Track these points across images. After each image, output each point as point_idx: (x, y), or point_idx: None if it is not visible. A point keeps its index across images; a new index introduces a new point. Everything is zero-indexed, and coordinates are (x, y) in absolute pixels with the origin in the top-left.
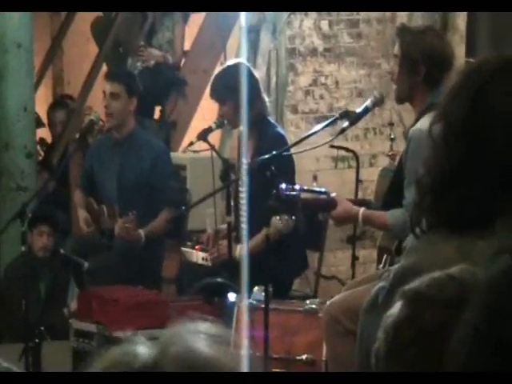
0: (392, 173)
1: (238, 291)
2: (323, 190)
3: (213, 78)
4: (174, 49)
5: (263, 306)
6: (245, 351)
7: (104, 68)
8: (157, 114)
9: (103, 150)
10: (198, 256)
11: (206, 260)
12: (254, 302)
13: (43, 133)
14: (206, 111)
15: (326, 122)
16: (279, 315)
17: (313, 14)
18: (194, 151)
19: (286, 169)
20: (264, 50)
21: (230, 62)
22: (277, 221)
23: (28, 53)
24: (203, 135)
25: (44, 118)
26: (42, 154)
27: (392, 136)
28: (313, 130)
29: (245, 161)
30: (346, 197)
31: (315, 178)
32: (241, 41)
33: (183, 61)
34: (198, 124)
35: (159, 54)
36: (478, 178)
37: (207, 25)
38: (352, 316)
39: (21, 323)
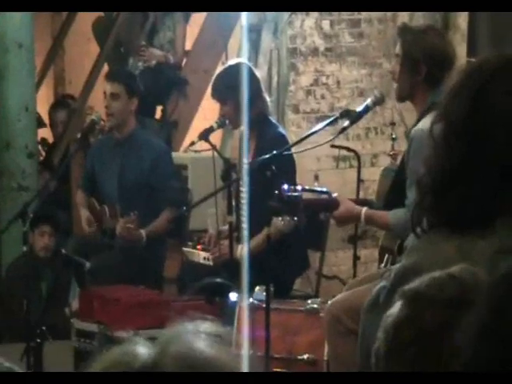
0: (394, 172)
1: (237, 291)
2: (325, 189)
3: (214, 77)
4: (176, 48)
5: (264, 305)
6: (246, 351)
7: (105, 68)
8: (158, 114)
9: (104, 150)
10: (199, 256)
11: (208, 260)
12: (256, 302)
13: (45, 133)
14: (208, 111)
15: (327, 122)
16: (280, 315)
17: (314, 14)
18: (196, 151)
19: (287, 168)
20: (265, 50)
21: (232, 61)
22: (278, 221)
23: (29, 52)
24: (204, 135)
25: (45, 118)
26: (44, 153)
27: (393, 136)
28: (313, 130)
29: (246, 160)
30: (348, 196)
31: (317, 177)
32: (242, 40)
33: (184, 60)
34: (199, 124)
35: (160, 54)
36: (479, 177)
37: (208, 24)
38: (353, 315)
39: (22, 323)
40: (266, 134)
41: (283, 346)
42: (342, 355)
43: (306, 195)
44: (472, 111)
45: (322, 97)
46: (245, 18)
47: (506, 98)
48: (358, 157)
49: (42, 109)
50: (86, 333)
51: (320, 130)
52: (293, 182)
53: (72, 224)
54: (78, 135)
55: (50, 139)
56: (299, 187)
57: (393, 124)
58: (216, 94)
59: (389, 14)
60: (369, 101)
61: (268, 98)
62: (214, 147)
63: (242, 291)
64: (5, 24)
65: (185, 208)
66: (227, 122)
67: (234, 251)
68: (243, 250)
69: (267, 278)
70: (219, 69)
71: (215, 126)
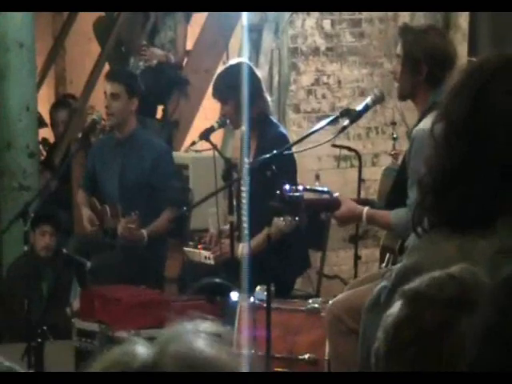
0: (395, 172)
1: (238, 291)
2: (326, 189)
3: (215, 77)
4: (177, 48)
5: (265, 305)
6: (247, 350)
7: (106, 67)
8: (159, 114)
9: (105, 150)
10: (200, 255)
11: (209, 259)
12: (257, 302)
13: (46, 132)
14: (209, 111)
15: (327, 121)
16: (281, 314)
17: (315, 14)
18: (197, 151)
19: (288, 168)
20: (266, 50)
21: (232, 61)
22: (279, 221)
23: (30, 52)
24: (205, 135)
25: (46, 118)
26: (45, 153)
27: (394, 135)
28: (313, 129)
29: (246, 160)
30: (349, 196)
31: (317, 177)
32: (243, 40)
33: (185, 60)
34: (200, 123)
35: (161, 54)
36: (480, 177)
37: (209, 24)
38: (355, 315)
39: (23, 323)
40: (267, 133)
41: (284, 345)
42: (343, 355)
43: (307, 195)
44: (473, 111)
45: (323, 96)
46: (245, 17)
47: (507, 97)
48: (359, 156)
49: (43, 108)
50: (87, 332)
51: (320, 129)
52: (293, 182)
53: (73, 224)
54: (79, 135)
55: (51, 139)
56: (300, 187)
57: (394, 123)
58: (217, 94)
59: (390, 13)
60: (368, 99)
61: (269, 98)
62: (214, 147)
63: (243, 291)
64: (6, 24)
65: (186, 208)
66: (228, 121)
67: (234, 250)
68: (244, 249)
69: (268, 277)
70: (220, 68)
71: (216, 125)
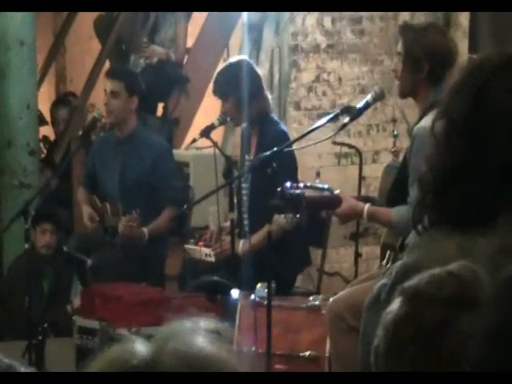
0: (396, 170)
1: (235, 289)
2: (326, 186)
3: (215, 75)
4: (177, 46)
5: (266, 302)
6: (247, 348)
7: (107, 65)
8: (159, 111)
9: (105, 149)
10: (201, 252)
11: (210, 256)
12: (257, 299)
13: (46, 130)
14: (209, 108)
15: (328, 118)
16: (282, 312)
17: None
18: (197, 148)
19: (288, 165)
20: (267, 47)
21: (233, 59)
22: (280, 218)
23: (31, 50)
24: (206, 132)
25: (47, 116)
26: (45, 151)
27: (395, 132)
28: (314, 126)
29: (247, 157)
30: (349, 194)
31: (318, 174)
32: (243, 38)
33: (186, 58)
34: (200, 121)
35: (162, 52)
36: (480, 175)
37: (210, 22)
38: (355, 313)
39: (24, 320)
40: (267, 131)
41: (285, 342)
42: (344, 352)
43: (308, 192)
44: (473, 109)
45: (324, 94)
46: (246, 15)
47: (507, 95)
48: (359, 154)
49: (44, 106)
50: (87, 330)
51: (321, 126)
52: (294, 179)
53: (73, 222)
54: (80, 133)
55: (52, 137)
56: (301, 184)
57: (394, 121)
58: (217, 92)
59: None
60: (369, 97)
61: (269, 95)
62: (215, 144)
63: (244, 288)
64: (6, 22)
65: (186, 205)
66: (229, 119)
67: (235, 247)
68: (244, 246)
69: (269, 274)
70: (221, 66)
71: (217, 123)
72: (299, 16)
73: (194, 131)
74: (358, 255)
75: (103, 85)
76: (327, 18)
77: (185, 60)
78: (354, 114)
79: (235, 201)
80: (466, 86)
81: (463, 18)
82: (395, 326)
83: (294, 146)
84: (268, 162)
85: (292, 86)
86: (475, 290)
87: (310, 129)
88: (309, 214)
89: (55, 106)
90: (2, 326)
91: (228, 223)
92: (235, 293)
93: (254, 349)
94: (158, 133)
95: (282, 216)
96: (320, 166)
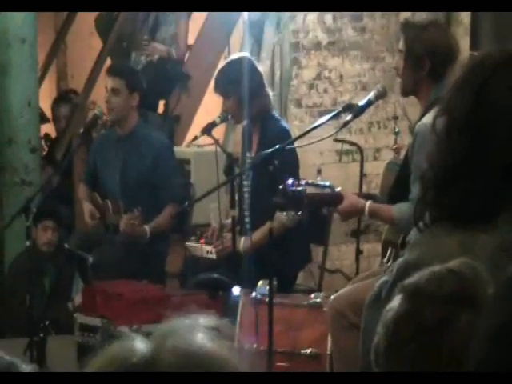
0: (398, 167)
1: (235, 286)
2: (328, 183)
3: (217, 72)
4: (178, 43)
5: (268, 300)
6: (249, 345)
7: (108, 62)
8: (161, 109)
9: (106, 146)
10: (202, 249)
11: (211, 253)
12: (259, 296)
13: (48, 128)
14: (210, 105)
15: (329, 116)
16: (284, 309)
17: None
18: (198, 145)
19: (290, 163)
20: (268, 45)
21: (234, 56)
22: (282, 215)
23: (32, 48)
24: (207, 129)
25: (48, 113)
26: (47, 149)
27: (396, 130)
28: (316, 124)
29: (248, 155)
30: (350, 191)
31: (319, 171)
32: (244, 35)
33: (187, 55)
34: (201, 118)
35: (163, 49)
36: (481, 172)
37: (211, 19)
38: (357, 310)
39: (25, 318)
40: (268, 128)
41: (286, 340)
42: (346, 349)
43: (309, 190)
44: (474, 106)
45: (325, 91)
46: (247, 13)
47: (508, 92)
48: (360, 151)
49: (45, 104)
50: (89, 327)
51: (323, 124)
52: (296, 177)
53: (75, 219)
54: (81, 130)
55: (54, 134)
56: (303, 181)
57: (395, 118)
58: (219, 89)
59: None
60: (371, 95)
61: (271, 93)
62: (216, 142)
63: (245, 285)
64: (7, 19)
65: (187, 203)
66: (230, 116)
67: (236, 244)
68: (246, 243)
69: (270, 272)
70: (222, 63)
71: (218, 120)
72: (300, 13)
73: (195, 128)
74: (359, 252)
75: (104, 82)
76: (328, 15)
77: (186, 57)
78: (356, 111)
79: (236, 198)
80: (467, 84)
81: (464, 15)
82: (395, 324)
83: (296, 144)
84: (270, 160)
85: (293, 83)
86: (475, 287)
87: (312, 126)
88: (310, 212)
89: (56, 104)
90: (4, 323)
91: (229, 220)
92: (236, 290)
93: (255, 346)
94: (159, 130)
95: (284, 213)
96: (321, 164)
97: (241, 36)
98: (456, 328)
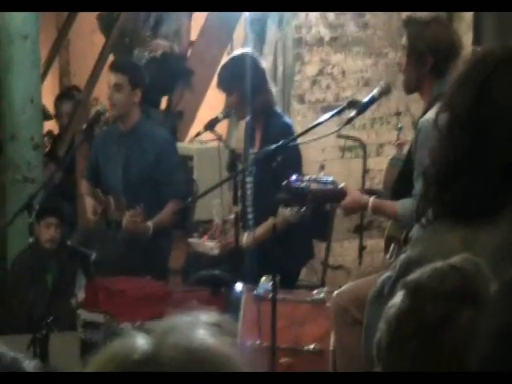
0: (401, 162)
1: (237, 283)
2: (330, 179)
3: (219, 68)
4: (181, 39)
5: (270, 296)
6: (252, 341)
7: (110, 59)
8: (163, 104)
9: (108, 142)
10: (205, 245)
11: (214, 249)
12: (262, 293)
13: (50, 125)
14: (213, 101)
15: (333, 112)
16: (287, 305)
17: None
18: (201, 141)
19: (293, 159)
20: (270, 40)
21: (237, 51)
22: (285, 210)
23: (34, 44)
24: (210, 125)
25: (51, 110)
26: (49, 146)
27: (399, 125)
28: (319, 120)
29: (251, 151)
30: (353, 187)
31: (322, 167)
32: (247, 31)
33: (190, 51)
34: (204, 114)
35: (166, 45)
36: (482, 169)
37: (213, 15)
38: (360, 306)
39: (28, 314)
40: (271, 124)
41: (289, 336)
42: (349, 345)
43: (312, 186)
44: (476, 102)
45: (328, 87)
46: None
47: (510, 89)
48: (363, 147)
49: (48, 100)
50: (92, 324)
51: (327, 120)
52: (299, 173)
53: (77, 216)
54: (84, 126)
55: (56, 131)
56: (307, 177)
57: (398, 114)
58: (221, 85)
59: None
60: (375, 91)
61: (273, 88)
62: (219, 138)
63: (248, 281)
64: (10, 16)
65: (190, 199)
66: (233, 112)
67: (239, 240)
68: (248, 238)
69: (273, 267)
70: (224, 59)
71: (221, 116)
72: None
73: (197, 124)
74: (362, 248)
75: (107, 79)
76: None
77: (188, 53)
78: (360, 108)
79: (239, 194)
80: (469, 79)
81: None
82: (397, 320)
83: (299, 140)
84: (273, 156)
85: (296, 79)
86: (477, 283)
87: (316, 123)
88: (313, 207)
89: (59, 100)
90: (7, 320)
91: (232, 216)
92: (239, 286)
93: (258, 342)
94: (162, 126)
95: (288, 209)
96: (324, 160)
97: (244, 32)
98: (457, 324)
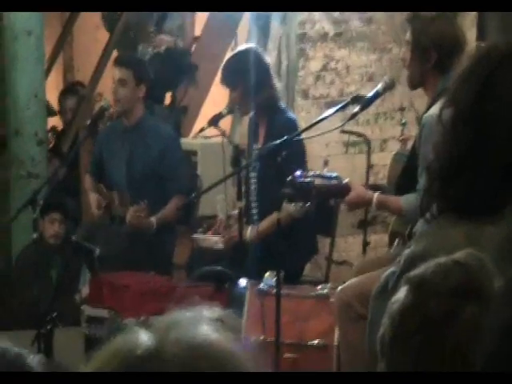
0: (405, 157)
1: (240, 278)
2: (334, 174)
3: (223, 63)
4: (185, 34)
5: (275, 291)
6: (256, 337)
7: (114, 54)
8: (167, 100)
9: (112, 137)
10: (209, 240)
11: (218, 244)
12: (266, 288)
13: (54, 120)
14: (217, 97)
15: (337, 107)
16: (291, 301)
17: None
18: (205, 137)
19: (297, 154)
20: (274, 36)
21: (241, 47)
22: (290, 206)
23: (38, 40)
24: (214, 121)
25: (55, 105)
26: (54, 141)
27: (403, 121)
28: (323, 115)
29: (255, 146)
30: (357, 182)
31: (326, 163)
32: (251, 26)
33: (194, 46)
34: (208, 110)
35: (170, 40)
36: (486, 164)
37: None
38: (364, 301)
39: (32, 310)
40: (276, 119)
41: (294, 331)
42: (353, 341)
43: (316, 181)
44: (479, 98)
45: (332, 82)
46: None
47: None
48: (367, 142)
49: (52, 96)
50: (96, 319)
51: (331, 115)
52: (303, 168)
53: (81, 211)
54: (88, 122)
55: (60, 127)
56: (311, 173)
57: (402, 109)
58: (225, 80)
59: None
60: (379, 86)
61: (277, 84)
62: (223, 133)
63: (251, 277)
64: (14, 12)
65: (194, 194)
66: (237, 107)
67: (243, 235)
68: (252, 232)
69: (278, 263)
70: (228, 54)
71: (225, 111)
72: None
73: (201, 120)
74: (366, 243)
75: (111, 74)
76: None
77: (193, 48)
78: (364, 103)
79: (243, 190)
80: (473, 75)
81: None
82: (401, 316)
83: (303, 135)
84: (277, 151)
85: (300, 75)
86: (481, 279)
87: (320, 118)
88: (317, 203)
89: (63, 96)
90: (11, 315)
91: (236, 212)
92: (243, 282)
93: (262, 338)
94: (166, 121)
95: (292, 205)
96: (328, 155)
97: (248, 27)
98: (461, 320)
